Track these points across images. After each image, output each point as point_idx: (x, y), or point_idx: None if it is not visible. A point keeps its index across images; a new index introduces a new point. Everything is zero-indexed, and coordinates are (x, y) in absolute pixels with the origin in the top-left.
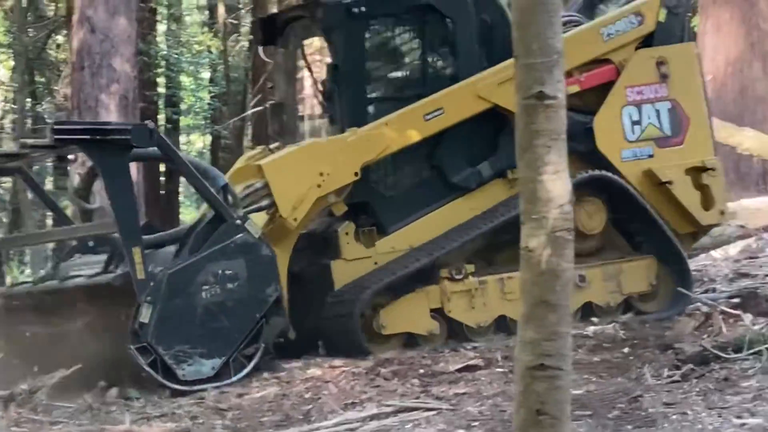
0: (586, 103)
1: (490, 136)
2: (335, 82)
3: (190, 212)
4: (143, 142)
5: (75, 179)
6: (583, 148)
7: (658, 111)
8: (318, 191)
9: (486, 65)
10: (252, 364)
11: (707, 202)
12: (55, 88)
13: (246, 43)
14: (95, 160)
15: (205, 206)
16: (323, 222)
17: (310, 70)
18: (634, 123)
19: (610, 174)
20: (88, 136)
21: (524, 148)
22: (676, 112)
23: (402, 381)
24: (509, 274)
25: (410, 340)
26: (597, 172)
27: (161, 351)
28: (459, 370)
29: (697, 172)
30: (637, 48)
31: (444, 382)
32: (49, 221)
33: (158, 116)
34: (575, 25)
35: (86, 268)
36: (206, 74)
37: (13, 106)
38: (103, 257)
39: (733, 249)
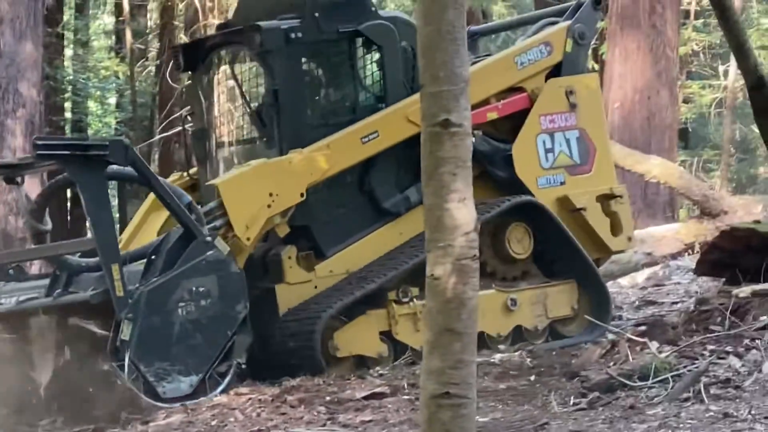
0: (500, 131)
1: (416, 162)
2: (273, 105)
3: None
4: (119, 158)
5: (26, 202)
6: (504, 175)
7: (568, 139)
8: (268, 211)
9: (411, 91)
10: (227, 380)
11: (615, 229)
12: None
13: (153, 69)
14: (74, 175)
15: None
16: (260, 246)
17: (243, 95)
18: (548, 151)
19: (536, 200)
20: (68, 152)
21: (429, 175)
22: (584, 141)
23: (308, 408)
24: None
25: (359, 362)
26: (525, 197)
27: (143, 368)
28: (365, 398)
29: (605, 199)
30: (546, 77)
31: (350, 409)
32: None
33: None
34: None
35: (25, 292)
36: (113, 99)
37: None
38: (23, 285)
39: (640, 276)
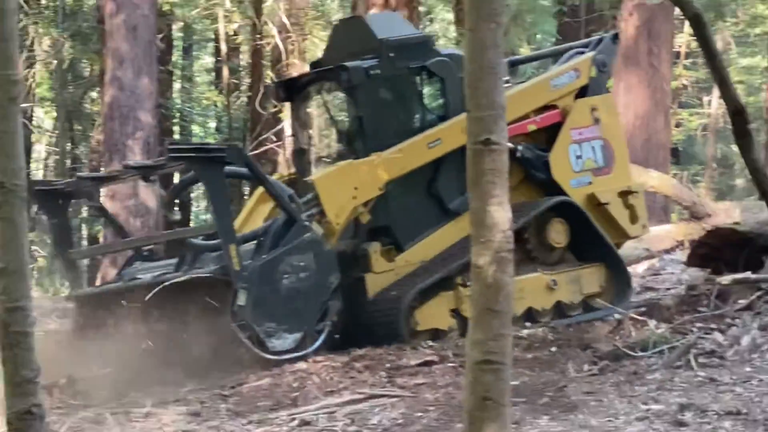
0: (538, 140)
1: None
2: (358, 129)
3: None
4: (235, 159)
5: (158, 197)
6: (543, 177)
7: (593, 147)
8: (353, 202)
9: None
10: (322, 337)
11: (633, 219)
12: (90, 134)
13: (245, 99)
14: (199, 174)
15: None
16: (351, 243)
17: (333, 119)
18: (578, 157)
19: (571, 199)
20: (194, 154)
21: (473, 183)
22: (606, 148)
23: (372, 373)
24: None
25: (434, 334)
26: (561, 198)
27: (256, 328)
28: (418, 365)
29: (624, 194)
30: (575, 97)
31: (406, 374)
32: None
33: None
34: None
35: (158, 269)
36: (212, 124)
37: (55, 149)
38: (158, 263)
39: (640, 267)
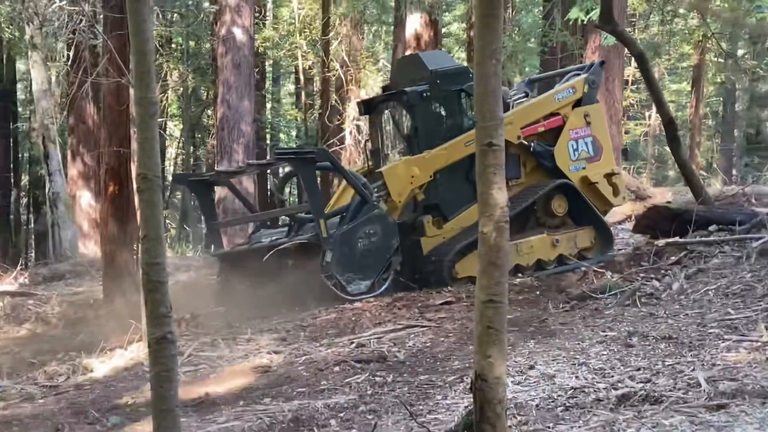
0: (546, 139)
1: None
2: (415, 135)
3: None
4: (323, 158)
5: (272, 183)
6: (550, 165)
7: (586, 142)
8: (411, 186)
9: None
10: (387, 283)
11: (616, 193)
12: (207, 141)
13: (317, 115)
14: (297, 169)
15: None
16: (412, 216)
17: (398, 128)
18: (575, 150)
19: (569, 182)
20: (293, 156)
21: (480, 173)
22: (596, 143)
23: (408, 310)
24: (520, 240)
25: (470, 280)
26: (562, 180)
27: (339, 276)
28: (441, 304)
29: (609, 176)
30: (573, 107)
31: (432, 310)
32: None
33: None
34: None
35: (275, 235)
36: (293, 132)
37: (182, 151)
38: (278, 230)
39: None
